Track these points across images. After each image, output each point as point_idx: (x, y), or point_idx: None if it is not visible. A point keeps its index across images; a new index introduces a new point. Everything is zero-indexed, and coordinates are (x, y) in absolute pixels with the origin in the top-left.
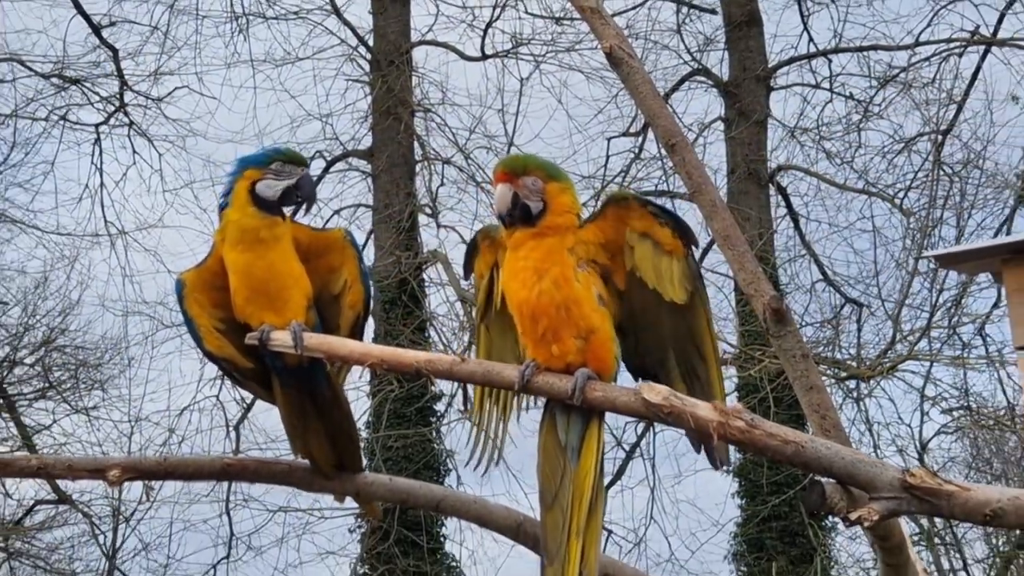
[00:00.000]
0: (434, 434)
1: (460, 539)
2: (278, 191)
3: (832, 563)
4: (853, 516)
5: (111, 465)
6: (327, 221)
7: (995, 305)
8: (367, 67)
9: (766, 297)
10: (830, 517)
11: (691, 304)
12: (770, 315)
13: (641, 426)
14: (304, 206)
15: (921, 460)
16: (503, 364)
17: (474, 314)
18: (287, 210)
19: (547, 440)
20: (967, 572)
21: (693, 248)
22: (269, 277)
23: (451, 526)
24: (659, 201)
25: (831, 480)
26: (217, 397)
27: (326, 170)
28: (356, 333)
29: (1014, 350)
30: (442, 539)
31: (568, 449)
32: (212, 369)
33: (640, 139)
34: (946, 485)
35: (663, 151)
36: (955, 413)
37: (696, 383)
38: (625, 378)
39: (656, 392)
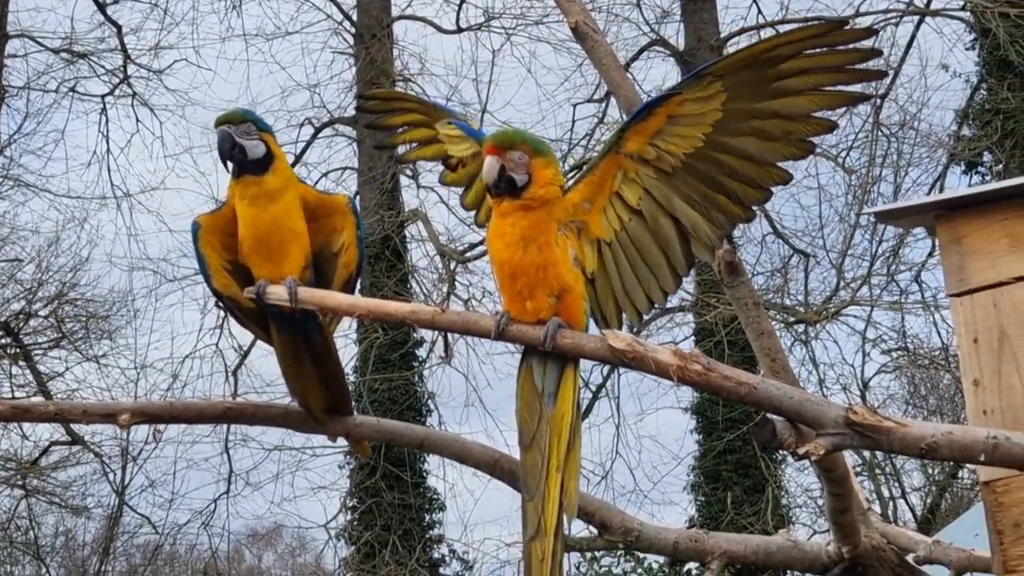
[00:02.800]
0: (416, 378)
1: (442, 473)
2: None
3: (782, 492)
4: (801, 451)
5: (122, 410)
6: (315, 184)
7: (930, 254)
8: (351, 40)
9: (721, 250)
10: (780, 451)
11: (728, 82)
12: (724, 267)
13: (607, 368)
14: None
15: (863, 398)
16: (480, 314)
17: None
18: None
19: (524, 386)
20: (905, 500)
21: (683, 89)
22: (271, 231)
23: (433, 462)
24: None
25: (781, 418)
26: (216, 345)
27: (314, 136)
28: (347, 289)
29: (947, 297)
30: (425, 474)
31: (545, 394)
32: (212, 319)
33: (603, 105)
34: (885, 422)
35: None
36: (894, 354)
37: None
38: None
39: (620, 339)
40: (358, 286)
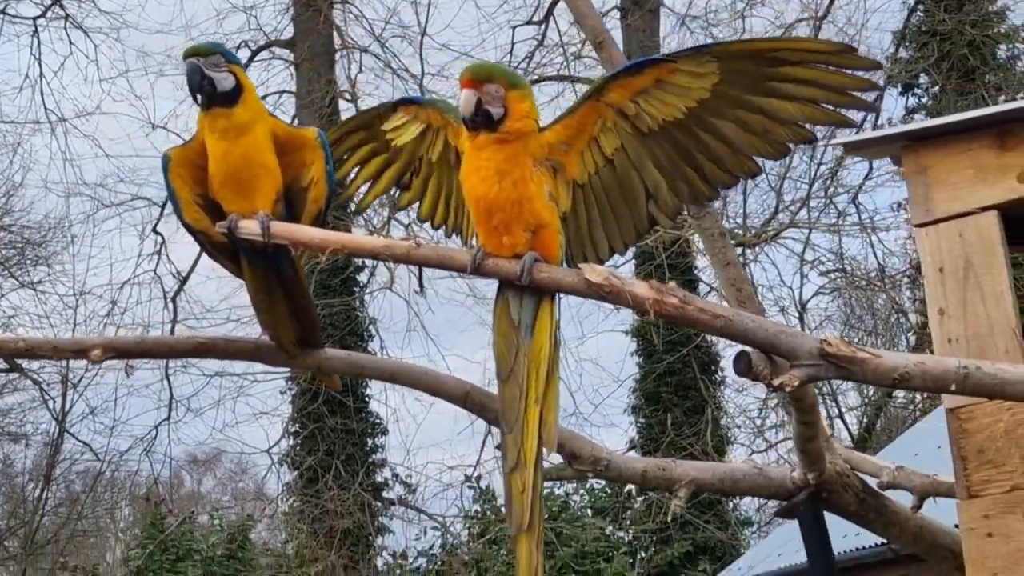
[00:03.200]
0: (358, 303)
1: (383, 399)
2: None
3: (721, 414)
4: (776, 382)
5: (93, 345)
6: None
7: (867, 177)
8: None
9: None
10: (720, 372)
11: (724, 66)
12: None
13: None
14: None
15: (800, 320)
16: (455, 249)
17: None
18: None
19: (501, 320)
20: (842, 419)
21: (678, 59)
22: (242, 166)
23: (375, 387)
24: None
25: (755, 350)
26: (155, 271)
27: (251, 59)
28: (317, 224)
29: (913, 227)
30: (367, 399)
31: (521, 327)
32: (150, 245)
33: (543, 28)
34: (859, 353)
35: (563, 38)
36: (831, 276)
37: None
38: None
39: (597, 273)
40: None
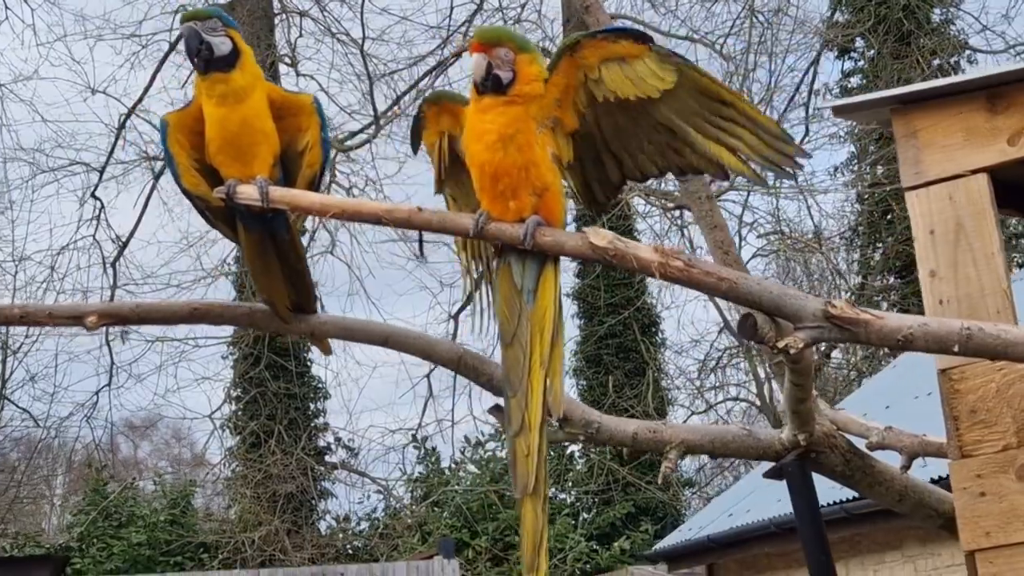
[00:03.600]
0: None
1: (325, 363)
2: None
3: (662, 375)
4: (781, 344)
5: (89, 312)
6: (190, 75)
7: (802, 140)
8: None
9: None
10: (660, 334)
11: (681, 80)
12: None
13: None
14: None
15: None
16: (457, 213)
17: (433, 183)
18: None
19: (503, 283)
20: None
21: (652, 43)
22: (240, 131)
23: (316, 352)
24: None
25: (760, 313)
26: (94, 237)
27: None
28: (311, 188)
29: (904, 190)
30: (309, 363)
31: (524, 291)
32: (89, 211)
33: None
34: (863, 314)
35: (503, 2)
36: (769, 237)
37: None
38: None
39: (601, 236)
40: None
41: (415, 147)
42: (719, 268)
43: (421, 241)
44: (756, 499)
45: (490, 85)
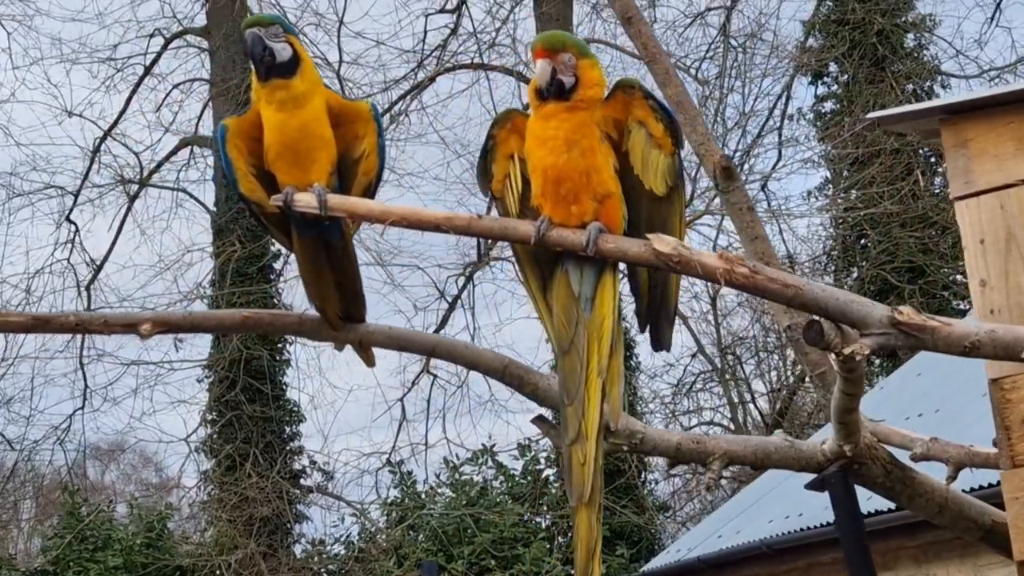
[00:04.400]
0: (274, 290)
1: (300, 386)
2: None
3: (637, 399)
4: (847, 351)
5: (143, 320)
6: (167, 95)
7: (775, 165)
8: None
9: (716, 156)
10: (635, 358)
11: (669, 197)
12: (720, 172)
13: (462, 280)
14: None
15: (713, 304)
16: (518, 220)
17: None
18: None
19: (560, 292)
20: (754, 403)
21: (680, 149)
22: (300, 138)
23: (291, 375)
24: (550, 85)
25: (826, 319)
26: (68, 260)
27: (165, 47)
28: (367, 196)
29: (952, 200)
30: (284, 386)
31: (582, 299)
32: (65, 234)
33: (456, 16)
34: (930, 321)
35: (476, 27)
36: None
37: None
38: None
39: (665, 243)
40: (212, 195)
41: (485, 187)
42: (784, 275)
43: (479, 248)
44: (746, 520)
45: (554, 90)
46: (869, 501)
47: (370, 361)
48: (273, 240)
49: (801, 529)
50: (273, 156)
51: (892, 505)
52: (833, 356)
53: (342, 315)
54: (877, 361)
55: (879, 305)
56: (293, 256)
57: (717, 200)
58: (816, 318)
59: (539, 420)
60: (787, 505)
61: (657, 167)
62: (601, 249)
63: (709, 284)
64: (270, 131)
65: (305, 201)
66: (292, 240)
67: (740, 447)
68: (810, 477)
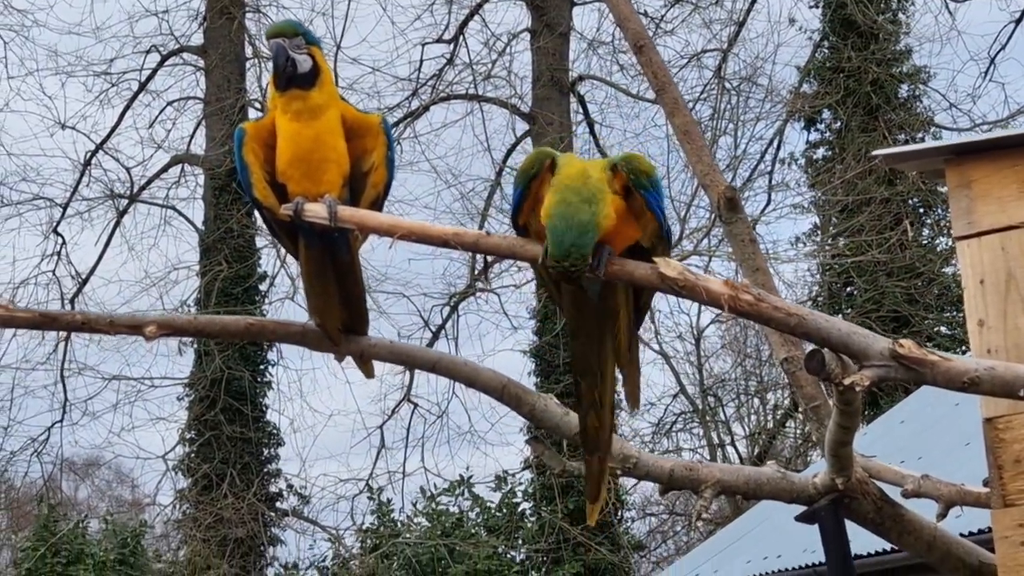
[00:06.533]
0: (259, 312)
1: (281, 409)
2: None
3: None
4: (847, 381)
5: (148, 322)
6: (160, 112)
7: (764, 209)
8: None
9: (721, 187)
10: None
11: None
12: (724, 203)
13: (447, 310)
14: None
15: (697, 344)
16: (526, 239)
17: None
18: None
19: (573, 295)
20: (734, 447)
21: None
22: (313, 148)
23: (272, 396)
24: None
25: (828, 350)
26: (54, 272)
27: (161, 64)
28: (375, 208)
29: (954, 240)
30: (264, 408)
31: (591, 293)
32: (51, 246)
33: (453, 46)
34: (930, 355)
35: (472, 58)
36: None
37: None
38: None
39: (672, 267)
40: (201, 214)
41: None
42: (788, 304)
43: (486, 267)
44: (723, 559)
45: None
46: (853, 543)
47: (369, 373)
48: (260, 263)
49: (779, 571)
50: (284, 165)
51: (874, 548)
52: (832, 387)
53: (344, 328)
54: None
55: (880, 337)
56: (280, 277)
57: (705, 241)
58: (818, 348)
59: (534, 440)
60: (765, 546)
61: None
62: (609, 271)
63: (694, 325)
64: (284, 140)
65: (315, 211)
66: (299, 250)
67: (732, 476)
68: (799, 510)
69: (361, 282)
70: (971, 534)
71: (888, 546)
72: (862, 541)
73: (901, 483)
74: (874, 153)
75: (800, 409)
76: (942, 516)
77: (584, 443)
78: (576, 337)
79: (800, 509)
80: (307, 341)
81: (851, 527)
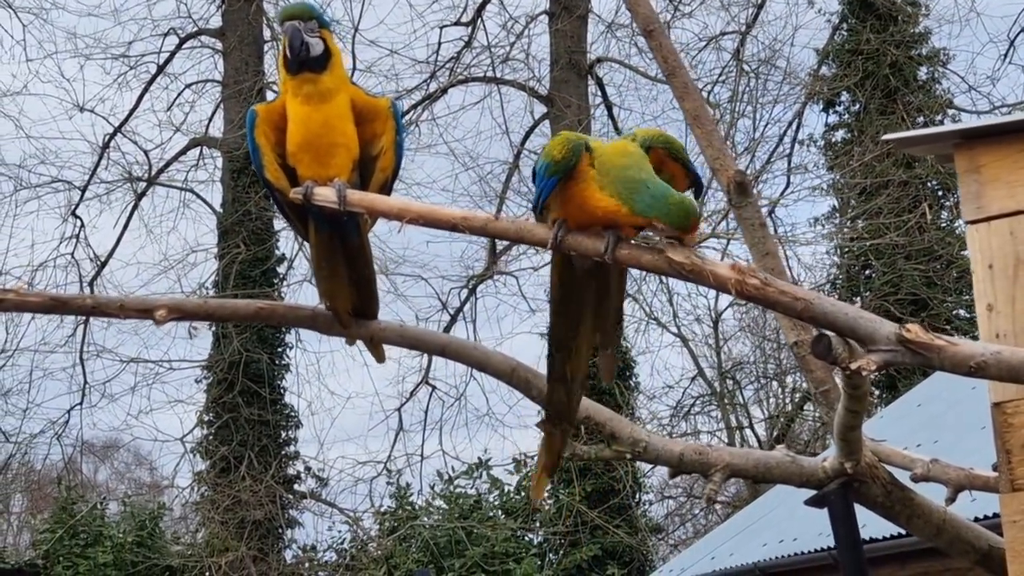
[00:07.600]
0: (276, 295)
1: (299, 391)
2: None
3: (635, 420)
4: (854, 366)
5: (158, 305)
6: (179, 94)
7: (783, 191)
8: None
9: (731, 171)
10: (634, 378)
11: None
12: (734, 187)
13: (465, 292)
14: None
15: (715, 327)
16: (534, 224)
17: None
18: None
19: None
20: (752, 429)
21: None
22: (323, 132)
23: (290, 379)
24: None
25: (834, 334)
26: (72, 255)
27: (179, 46)
28: (383, 192)
29: (964, 223)
30: (282, 391)
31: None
32: (70, 228)
33: (471, 28)
34: (937, 340)
35: (490, 41)
36: None
37: None
38: None
39: (679, 251)
40: (219, 197)
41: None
42: (794, 288)
43: (493, 251)
44: (739, 542)
45: None
46: (863, 529)
47: (380, 357)
48: (278, 245)
49: (795, 553)
50: (294, 148)
51: (883, 533)
52: (839, 371)
53: (354, 311)
54: (876, 392)
55: (887, 322)
56: (298, 260)
57: (723, 223)
58: (824, 332)
59: (544, 423)
60: (781, 529)
61: None
62: (617, 256)
63: (712, 308)
64: (294, 124)
65: (324, 195)
66: (309, 234)
67: (742, 460)
68: (809, 494)
69: (371, 266)
70: (984, 518)
71: (898, 530)
72: (873, 526)
73: (910, 467)
74: (884, 138)
75: (804, 404)
76: (951, 500)
77: (546, 412)
78: (559, 313)
79: (811, 493)
80: (317, 325)
81: (861, 511)
